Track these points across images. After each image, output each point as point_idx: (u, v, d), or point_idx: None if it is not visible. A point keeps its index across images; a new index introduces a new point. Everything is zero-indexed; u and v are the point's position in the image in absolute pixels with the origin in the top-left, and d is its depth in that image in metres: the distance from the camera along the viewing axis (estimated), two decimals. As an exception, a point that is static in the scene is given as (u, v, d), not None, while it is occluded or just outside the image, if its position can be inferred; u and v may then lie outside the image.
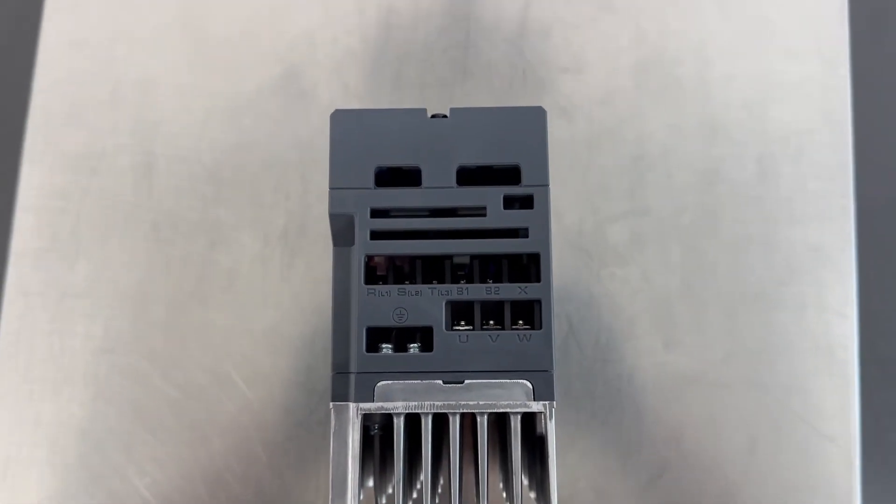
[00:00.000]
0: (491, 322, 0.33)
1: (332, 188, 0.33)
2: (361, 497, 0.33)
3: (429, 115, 0.33)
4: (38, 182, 0.50)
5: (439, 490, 0.36)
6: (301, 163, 0.50)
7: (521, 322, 0.33)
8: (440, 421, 0.33)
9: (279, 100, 0.50)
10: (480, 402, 0.31)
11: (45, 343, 0.48)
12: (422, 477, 0.32)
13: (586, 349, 0.47)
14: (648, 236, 0.48)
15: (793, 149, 0.49)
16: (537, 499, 0.36)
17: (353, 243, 0.33)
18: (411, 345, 0.32)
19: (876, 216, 0.55)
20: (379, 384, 0.32)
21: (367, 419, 0.34)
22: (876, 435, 0.50)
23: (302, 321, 0.48)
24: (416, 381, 0.32)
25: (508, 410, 0.31)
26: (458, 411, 0.31)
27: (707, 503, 0.46)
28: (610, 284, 0.48)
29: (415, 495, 0.38)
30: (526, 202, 0.33)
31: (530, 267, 0.33)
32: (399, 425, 0.32)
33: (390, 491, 0.41)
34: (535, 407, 0.31)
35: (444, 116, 0.33)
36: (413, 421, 0.32)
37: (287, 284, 0.48)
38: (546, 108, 0.34)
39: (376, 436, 0.35)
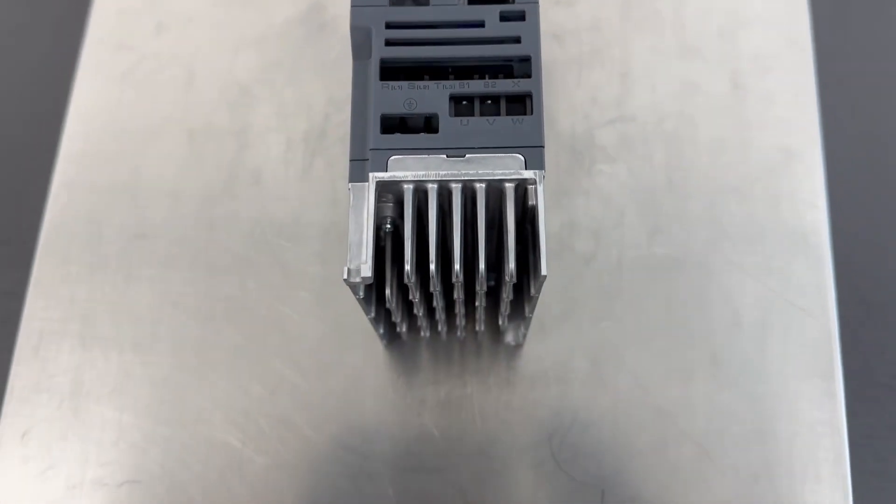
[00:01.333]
0: (489, 123, 0.38)
1: (353, 5, 0.38)
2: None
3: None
4: (88, 95, 0.56)
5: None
6: (322, 82, 0.56)
7: (514, 121, 0.38)
8: (445, 203, 0.37)
9: (304, 30, 0.57)
10: (479, 172, 0.36)
11: (84, 231, 0.53)
12: (431, 254, 0.36)
13: (582, 239, 0.51)
14: (634, 139, 0.53)
15: (761, 67, 0.55)
16: (529, 278, 0.39)
17: (370, 56, 0.38)
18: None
19: (840, 121, 0.61)
20: (391, 158, 0.36)
21: (379, 214, 0.38)
22: (851, 309, 0.53)
23: (320, 213, 0.53)
24: (423, 156, 0.36)
25: (503, 177, 0.36)
26: (460, 179, 0.36)
27: (695, 373, 0.49)
28: (599, 180, 0.53)
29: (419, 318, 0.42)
30: (519, 17, 0.38)
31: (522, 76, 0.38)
32: (409, 194, 0.36)
33: (397, 318, 0.44)
34: (527, 174, 0.36)
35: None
36: (422, 209, 0.37)
37: (307, 181, 0.53)
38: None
39: (388, 236, 0.39)
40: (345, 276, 0.35)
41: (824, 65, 0.55)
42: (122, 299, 0.51)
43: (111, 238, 0.52)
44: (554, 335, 0.49)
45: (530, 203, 0.37)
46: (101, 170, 0.54)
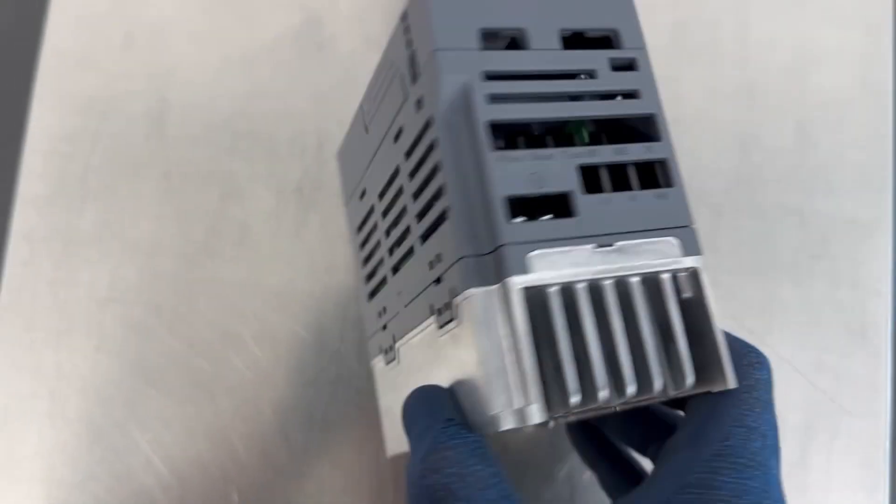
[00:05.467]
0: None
1: (438, 49, 0.29)
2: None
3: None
4: (48, 125, 0.46)
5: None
6: (318, 115, 0.47)
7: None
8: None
9: (297, 49, 0.48)
10: (636, 265, 0.28)
11: (49, 291, 0.44)
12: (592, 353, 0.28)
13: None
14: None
15: (832, 117, 0.48)
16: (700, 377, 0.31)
17: (444, 121, 0.29)
18: (543, 217, 0.29)
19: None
20: (532, 254, 0.27)
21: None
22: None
23: (314, 279, 0.44)
24: (568, 248, 0.28)
25: (662, 268, 0.28)
26: (613, 275, 0.28)
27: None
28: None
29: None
30: (630, 66, 0.31)
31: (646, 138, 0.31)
32: (555, 300, 0.27)
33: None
34: (689, 262, 0.29)
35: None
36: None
37: (300, 241, 0.45)
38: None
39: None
40: (502, 426, 0.26)
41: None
42: (94, 376, 0.42)
43: (79, 301, 0.43)
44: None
45: (684, 295, 0.29)
46: (63, 218, 0.45)
